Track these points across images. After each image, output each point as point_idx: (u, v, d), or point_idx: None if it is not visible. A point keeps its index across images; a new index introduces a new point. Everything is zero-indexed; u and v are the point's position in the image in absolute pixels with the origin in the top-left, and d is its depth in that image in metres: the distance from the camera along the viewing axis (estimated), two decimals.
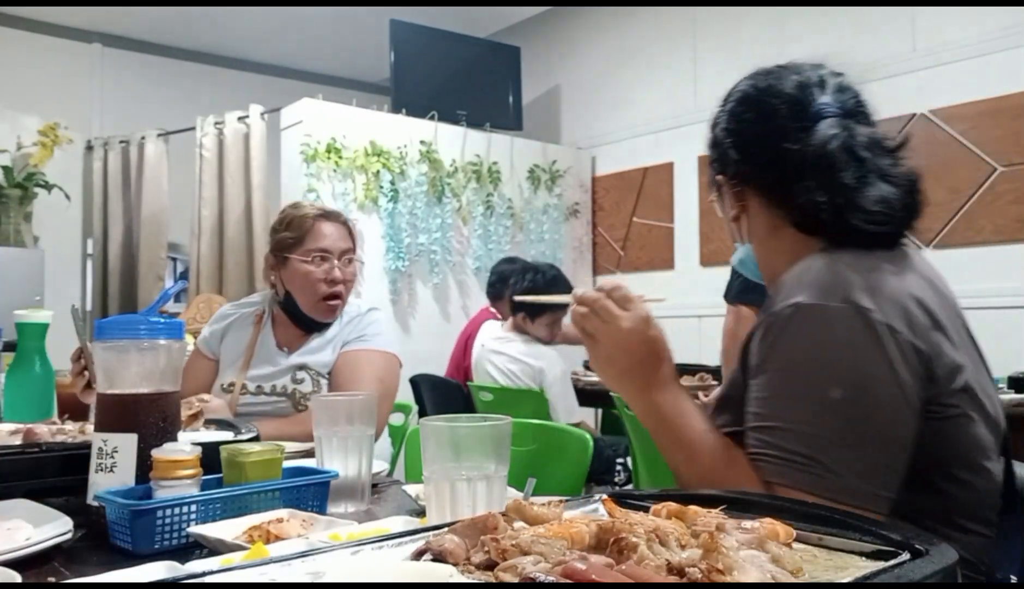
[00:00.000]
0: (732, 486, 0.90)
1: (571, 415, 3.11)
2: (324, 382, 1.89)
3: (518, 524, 0.70)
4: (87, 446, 1.07)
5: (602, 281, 1.12)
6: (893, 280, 0.90)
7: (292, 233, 1.91)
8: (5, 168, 4.68)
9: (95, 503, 1.00)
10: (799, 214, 0.97)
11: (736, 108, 1.06)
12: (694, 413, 0.99)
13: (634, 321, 0.99)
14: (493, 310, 3.82)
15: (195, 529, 0.94)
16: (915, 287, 0.90)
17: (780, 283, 0.94)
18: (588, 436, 1.73)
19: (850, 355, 0.86)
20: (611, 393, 2.78)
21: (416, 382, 3.57)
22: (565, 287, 3.35)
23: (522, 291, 3.29)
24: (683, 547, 0.63)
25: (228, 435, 1.35)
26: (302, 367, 1.90)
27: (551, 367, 3.14)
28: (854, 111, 1.00)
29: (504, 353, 3.25)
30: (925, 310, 0.89)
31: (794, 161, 0.96)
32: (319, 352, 1.91)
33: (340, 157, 4.08)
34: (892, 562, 0.59)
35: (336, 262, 1.89)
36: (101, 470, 1.03)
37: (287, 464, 1.16)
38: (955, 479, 0.90)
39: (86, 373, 1.55)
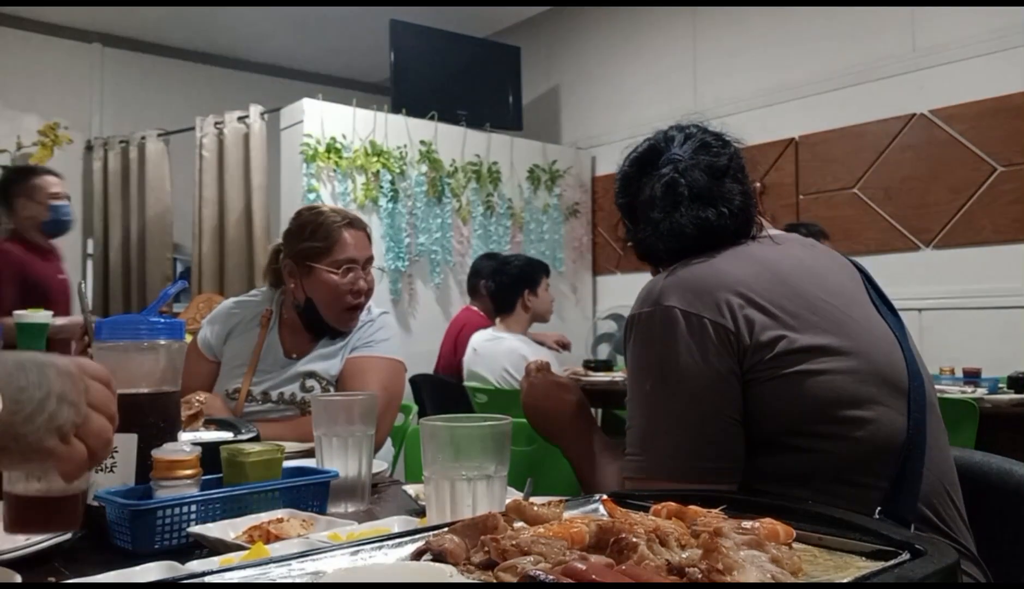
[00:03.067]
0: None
1: None
2: (333, 391, 1.84)
3: (518, 524, 0.70)
4: None
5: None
6: (702, 274, 1.03)
7: (319, 242, 1.85)
8: (5, 168, 4.68)
9: (95, 503, 1.00)
10: (635, 251, 1.17)
11: (618, 188, 1.23)
12: (597, 450, 1.19)
13: (527, 388, 1.29)
14: (475, 307, 3.88)
15: (195, 529, 0.94)
16: (732, 274, 1.02)
17: None
18: None
19: (656, 349, 1.01)
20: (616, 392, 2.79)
21: (416, 382, 3.58)
22: (531, 276, 3.43)
23: (491, 291, 3.49)
24: (683, 547, 0.63)
25: (228, 435, 1.35)
26: (311, 375, 1.85)
27: None
28: (696, 151, 1.13)
29: (496, 351, 3.25)
30: (737, 292, 1.00)
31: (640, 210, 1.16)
32: (329, 360, 1.87)
33: (340, 157, 4.08)
34: (892, 562, 0.59)
35: (361, 272, 1.86)
36: (101, 470, 1.03)
37: (287, 464, 1.16)
38: (816, 434, 0.96)
39: (89, 351, 1.54)
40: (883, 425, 0.96)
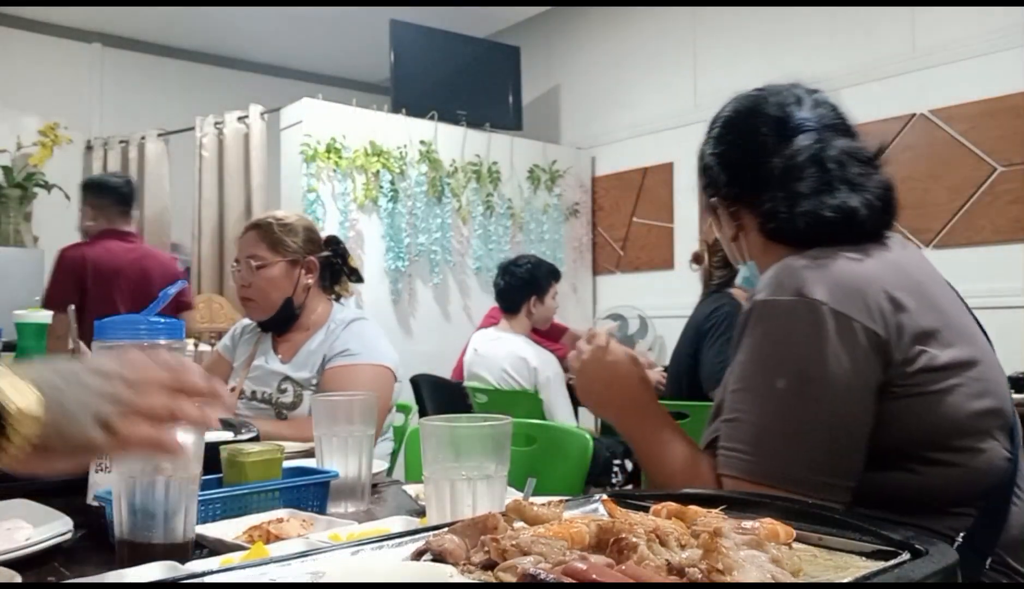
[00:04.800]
0: (685, 484, 0.98)
1: (570, 418, 3.10)
2: (306, 393, 1.89)
3: (518, 524, 0.70)
4: None
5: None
6: (853, 270, 0.94)
7: None
8: (5, 168, 4.67)
9: (95, 503, 1.00)
10: (763, 223, 1.05)
11: (722, 133, 1.12)
12: (662, 426, 1.08)
13: (593, 352, 1.13)
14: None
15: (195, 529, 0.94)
16: (882, 275, 0.94)
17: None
18: (588, 436, 1.73)
19: (798, 346, 0.91)
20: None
21: (416, 382, 3.57)
22: (540, 282, 3.34)
23: (499, 289, 3.37)
24: (683, 547, 0.63)
25: (228, 435, 1.35)
26: (287, 378, 1.91)
27: (545, 368, 3.13)
28: (831, 125, 1.06)
29: (497, 352, 3.24)
30: (889, 296, 0.92)
31: (771, 174, 1.04)
32: (302, 367, 1.92)
33: (340, 157, 4.08)
34: (892, 562, 0.59)
35: (238, 266, 1.99)
36: (101, 470, 1.03)
37: (287, 464, 1.16)
38: (930, 461, 0.91)
39: None
40: (990, 458, 0.92)
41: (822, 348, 0.89)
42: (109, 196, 3.54)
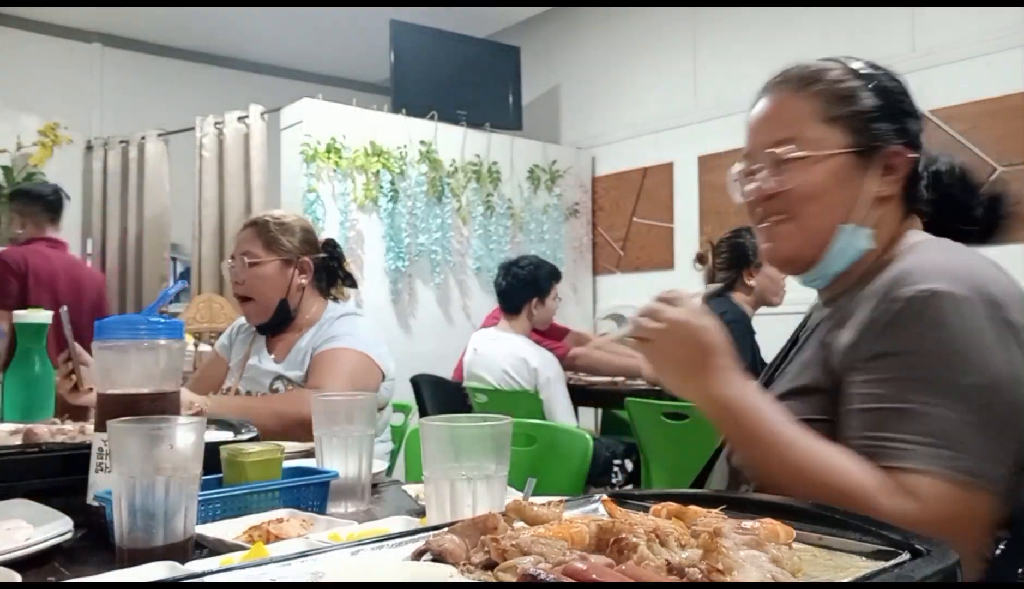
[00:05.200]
0: (835, 479, 0.88)
1: (570, 419, 3.10)
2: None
3: (518, 524, 0.70)
4: (87, 446, 1.07)
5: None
6: (1003, 271, 0.95)
7: None
8: (5, 168, 4.68)
9: (95, 503, 1.00)
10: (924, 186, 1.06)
11: (895, 83, 1.05)
12: (765, 404, 0.96)
13: (682, 313, 0.97)
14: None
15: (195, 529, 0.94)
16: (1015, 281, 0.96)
17: (904, 271, 0.94)
18: (588, 436, 1.73)
19: (986, 346, 0.88)
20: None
21: (416, 382, 3.57)
22: (541, 284, 3.33)
23: (500, 293, 3.35)
24: (683, 547, 0.63)
25: (228, 435, 1.35)
26: (280, 377, 1.92)
27: (545, 368, 3.13)
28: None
29: (497, 352, 3.24)
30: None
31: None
32: (294, 367, 1.92)
33: (340, 157, 4.09)
34: (892, 562, 0.59)
35: (231, 263, 1.99)
36: (101, 470, 1.03)
37: (287, 464, 1.16)
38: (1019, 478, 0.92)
39: (73, 376, 1.57)
40: None
41: (1007, 350, 0.88)
42: (37, 204, 3.60)
